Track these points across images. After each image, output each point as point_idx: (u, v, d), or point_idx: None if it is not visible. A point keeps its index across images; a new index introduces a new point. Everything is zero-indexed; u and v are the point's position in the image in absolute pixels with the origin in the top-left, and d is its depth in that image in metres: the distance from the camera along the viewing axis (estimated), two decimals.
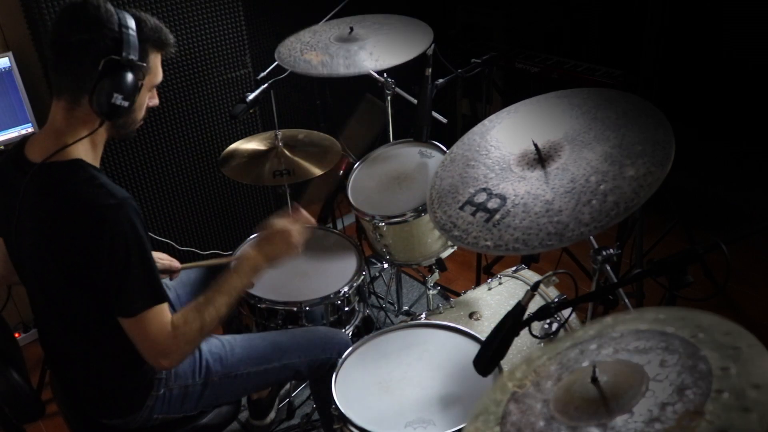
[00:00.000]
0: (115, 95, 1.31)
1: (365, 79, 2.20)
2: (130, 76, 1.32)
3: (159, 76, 1.46)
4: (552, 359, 1.07)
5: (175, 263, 1.82)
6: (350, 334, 2.02)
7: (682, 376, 0.88)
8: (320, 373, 1.71)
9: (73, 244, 1.31)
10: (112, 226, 1.29)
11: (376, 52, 2.09)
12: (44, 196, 1.34)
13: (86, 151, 1.39)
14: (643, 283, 2.56)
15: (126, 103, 1.33)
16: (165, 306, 1.38)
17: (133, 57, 1.33)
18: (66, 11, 1.34)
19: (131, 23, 1.34)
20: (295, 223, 1.60)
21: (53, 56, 1.34)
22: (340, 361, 1.64)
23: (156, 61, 1.43)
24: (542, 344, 1.65)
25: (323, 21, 2.35)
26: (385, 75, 2.23)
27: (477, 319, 1.87)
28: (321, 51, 2.16)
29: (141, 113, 1.46)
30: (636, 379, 0.94)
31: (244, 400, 2.26)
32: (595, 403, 0.92)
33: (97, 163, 1.42)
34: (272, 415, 2.29)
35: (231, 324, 2.07)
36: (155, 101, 1.50)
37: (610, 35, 3.29)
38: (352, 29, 2.20)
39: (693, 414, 0.80)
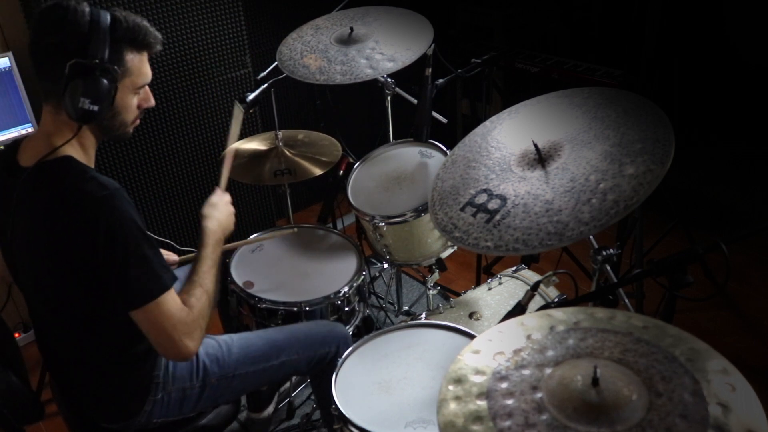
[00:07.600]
0: (83, 99, 1.26)
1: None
2: (98, 80, 1.27)
3: (144, 76, 1.39)
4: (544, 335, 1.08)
5: (173, 257, 1.83)
6: (350, 334, 2.01)
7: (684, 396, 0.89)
8: (320, 367, 1.70)
9: (69, 239, 1.29)
10: (107, 217, 1.27)
11: (373, 58, 2.09)
12: (37, 195, 1.32)
13: (77, 153, 1.36)
14: (643, 283, 2.56)
15: (95, 107, 1.27)
16: (174, 288, 1.36)
17: (102, 59, 1.27)
18: (39, 14, 1.31)
19: (105, 24, 1.29)
20: (222, 196, 1.66)
21: (32, 61, 1.32)
22: (340, 361, 1.64)
23: (137, 61, 1.36)
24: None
25: (324, 16, 2.35)
26: (385, 75, 2.23)
27: (477, 319, 1.86)
28: (320, 54, 2.16)
29: (129, 115, 1.40)
30: (636, 390, 0.94)
31: (243, 399, 2.26)
32: (596, 409, 0.92)
33: (91, 165, 1.40)
34: (270, 408, 2.28)
35: (231, 323, 2.07)
36: (150, 102, 1.45)
37: (610, 35, 3.29)
38: (352, 29, 2.20)
39: None
